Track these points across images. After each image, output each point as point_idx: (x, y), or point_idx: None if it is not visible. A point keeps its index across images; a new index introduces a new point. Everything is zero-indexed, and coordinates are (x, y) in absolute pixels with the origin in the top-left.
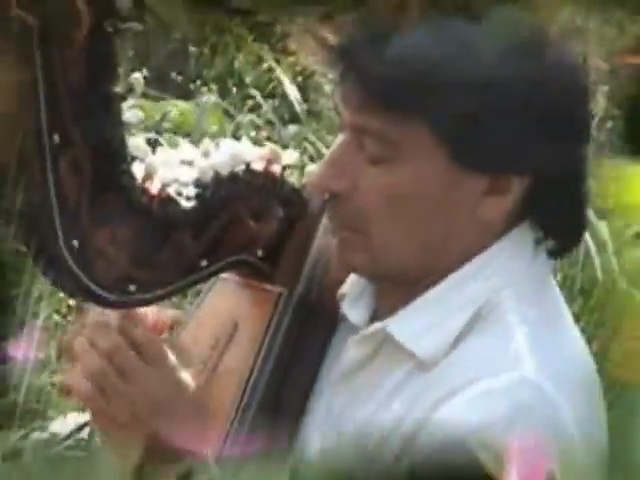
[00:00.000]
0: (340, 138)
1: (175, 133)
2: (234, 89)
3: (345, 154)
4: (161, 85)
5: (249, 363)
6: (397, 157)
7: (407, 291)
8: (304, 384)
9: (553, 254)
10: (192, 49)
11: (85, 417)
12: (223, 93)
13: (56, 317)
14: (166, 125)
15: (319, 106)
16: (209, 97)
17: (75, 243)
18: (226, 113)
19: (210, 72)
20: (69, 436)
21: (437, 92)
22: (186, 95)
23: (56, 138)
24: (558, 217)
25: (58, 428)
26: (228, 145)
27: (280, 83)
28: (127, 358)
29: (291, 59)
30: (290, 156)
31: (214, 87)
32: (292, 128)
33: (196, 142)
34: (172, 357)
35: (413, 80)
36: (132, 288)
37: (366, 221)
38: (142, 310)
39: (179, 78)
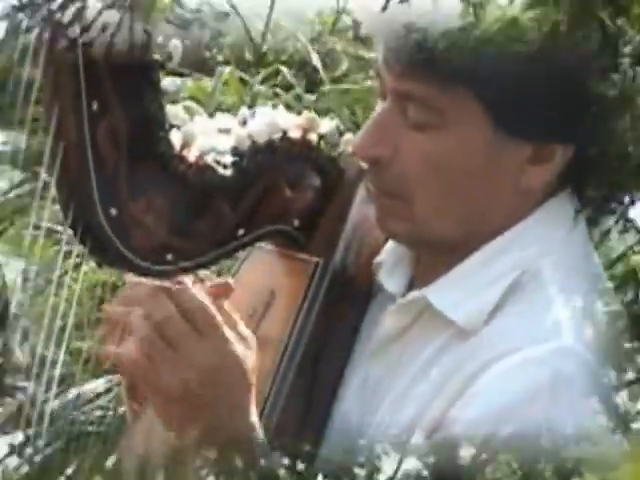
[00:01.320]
0: (381, 103)
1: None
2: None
3: (387, 120)
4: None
5: (286, 332)
6: (441, 124)
7: (446, 259)
8: (340, 354)
9: (591, 223)
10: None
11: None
12: (239, 62)
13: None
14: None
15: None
16: (224, 68)
17: (113, 211)
18: (242, 82)
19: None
20: (96, 398)
21: (483, 59)
22: (202, 66)
23: (95, 105)
24: (598, 186)
25: (86, 390)
26: (265, 113)
27: (297, 51)
28: (179, 328)
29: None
30: (327, 124)
31: (230, 54)
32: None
33: (212, 112)
34: (225, 327)
35: (459, 47)
36: (169, 257)
37: (407, 188)
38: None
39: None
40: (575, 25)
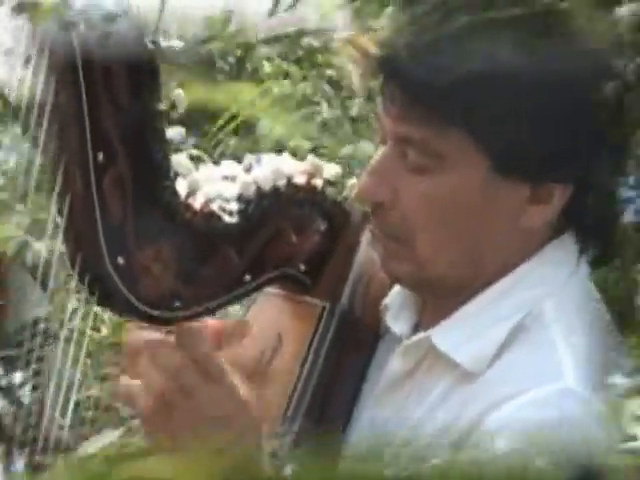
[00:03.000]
0: (381, 148)
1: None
2: None
3: (387, 164)
4: None
5: (293, 376)
6: (440, 166)
7: (450, 301)
8: (348, 397)
9: (595, 264)
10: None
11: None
12: None
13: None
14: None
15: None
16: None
17: (120, 260)
18: None
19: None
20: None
21: (479, 103)
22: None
23: (100, 157)
24: (600, 227)
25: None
26: (269, 160)
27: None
28: (190, 376)
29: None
30: (331, 169)
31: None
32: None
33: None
34: (233, 373)
35: (455, 91)
36: (177, 304)
37: (410, 230)
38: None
39: None
40: None
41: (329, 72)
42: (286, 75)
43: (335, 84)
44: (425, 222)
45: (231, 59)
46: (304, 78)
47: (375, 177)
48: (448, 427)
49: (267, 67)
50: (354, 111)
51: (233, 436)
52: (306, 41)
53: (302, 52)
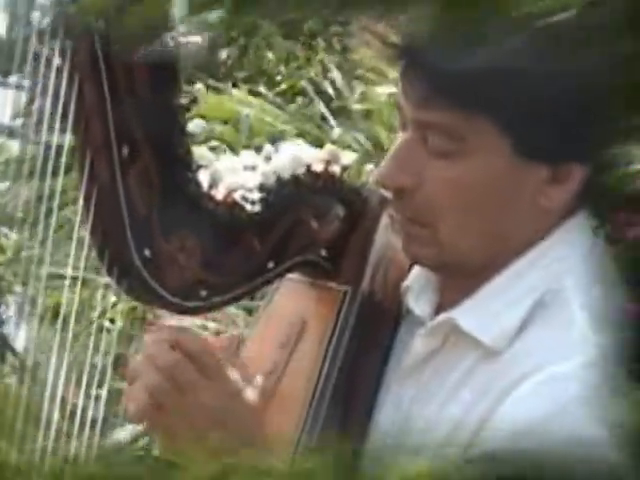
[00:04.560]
0: (402, 133)
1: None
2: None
3: (409, 149)
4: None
5: (318, 361)
6: (461, 150)
7: (471, 281)
8: (373, 379)
9: (610, 240)
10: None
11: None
12: (254, 94)
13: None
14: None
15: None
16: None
17: (147, 252)
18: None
19: (240, 73)
20: (130, 443)
21: (500, 86)
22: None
23: (125, 151)
24: (613, 204)
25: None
26: (288, 148)
27: (311, 81)
28: (185, 373)
29: (321, 56)
30: (349, 156)
31: (244, 87)
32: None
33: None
34: (231, 370)
35: (477, 75)
36: (203, 293)
37: (432, 214)
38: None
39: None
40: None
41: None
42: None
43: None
44: (448, 205)
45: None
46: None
47: (397, 162)
48: (473, 404)
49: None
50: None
51: (232, 432)
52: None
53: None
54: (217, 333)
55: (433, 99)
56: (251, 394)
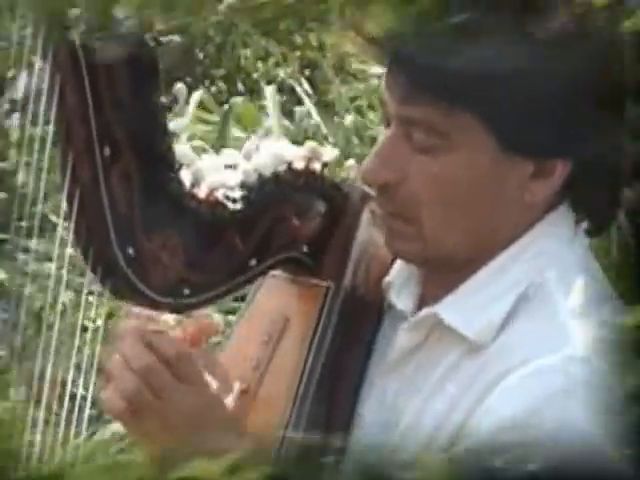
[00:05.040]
0: (387, 129)
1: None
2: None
3: (393, 145)
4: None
5: (302, 357)
6: (446, 146)
7: (454, 276)
8: (356, 374)
9: (590, 233)
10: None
11: None
12: (232, 91)
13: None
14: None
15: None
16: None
17: (130, 251)
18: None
19: (218, 71)
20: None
21: (485, 83)
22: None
23: (107, 151)
24: (596, 198)
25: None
26: (269, 146)
27: (288, 78)
28: (160, 377)
29: (297, 53)
30: (329, 153)
31: (223, 86)
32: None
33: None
34: (205, 373)
35: (461, 72)
36: (187, 291)
37: (417, 210)
38: (174, 323)
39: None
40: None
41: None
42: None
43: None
44: (432, 201)
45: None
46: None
47: (380, 158)
48: (459, 398)
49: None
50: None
51: (208, 435)
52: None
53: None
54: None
55: (417, 95)
56: (227, 397)
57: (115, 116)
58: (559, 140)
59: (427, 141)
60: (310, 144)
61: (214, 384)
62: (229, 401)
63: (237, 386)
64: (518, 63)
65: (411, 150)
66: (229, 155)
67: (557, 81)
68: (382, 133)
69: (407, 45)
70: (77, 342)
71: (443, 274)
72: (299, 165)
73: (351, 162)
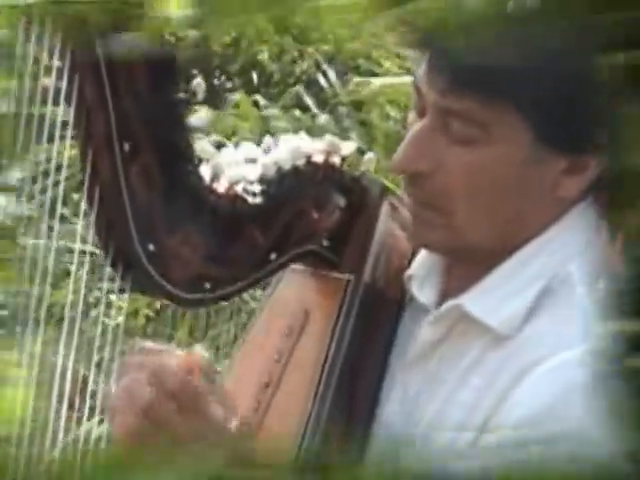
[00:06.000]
0: (419, 119)
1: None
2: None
3: (429, 135)
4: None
5: (323, 350)
6: (484, 138)
7: (478, 267)
8: (377, 368)
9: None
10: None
11: None
12: (249, 87)
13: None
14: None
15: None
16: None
17: (151, 246)
18: (255, 105)
19: (234, 66)
20: None
21: (524, 75)
22: (212, 95)
23: (126, 146)
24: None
25: None
26: (288, 140)
27: (304, 73)
28: (164, 411)
29: (312, 49)
30: (348, 146)
31: (238, 81)
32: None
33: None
34: (210, 400)
35: (504, 65)
36: (207, 286)
37: (448, 200)
38: (171, 355)
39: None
40: None
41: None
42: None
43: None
44: (465, 191)
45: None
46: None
47: (415, 147)
48: (484, 390)
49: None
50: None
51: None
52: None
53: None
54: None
55: (459, 86)
56: (233, 426)
57: (134, 112)
58: (595, 137)
59: (465, 132)
60: (329, 138)
61: (220, 415)
62: (234, 426)
63: (261, 378)
64: (562, 59)
65: (447, 141)
66: (248, 149)
67: (595, 77)
68: (412, 124)
69: (452, 37)
70: (98, 340)
71: (468, 266)
72: (318, 159)
73: (370, 155)
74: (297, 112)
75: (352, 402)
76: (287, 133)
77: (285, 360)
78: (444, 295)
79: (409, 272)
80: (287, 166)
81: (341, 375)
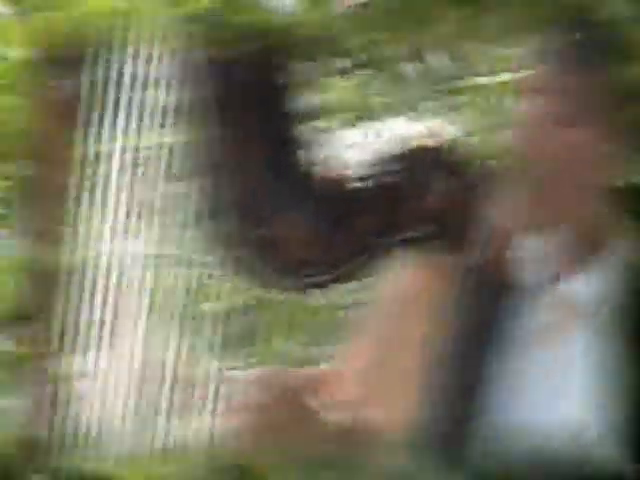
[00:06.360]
0: (527, 102)
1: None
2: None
3: (539, 117)
4: None
5: (433, 335)
6: (589, 120)
7: (586, 249)
8: (485, 351)
9: None
10: None
11: None
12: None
13: None
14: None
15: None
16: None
17: (257, 232)
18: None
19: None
20: None
21: None
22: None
23: (236, 133)
24: None
25: None
26: (394, 125)
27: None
28: (279, 416)
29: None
30: (452, 131)
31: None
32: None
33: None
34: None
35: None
36: (313, 271)
37: (558, 180)
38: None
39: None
40: None
41: None
42: None
43: None
44: (575, 172)
45: None
46: None
47: (525, 129)
48: (595, 376)
49: None
50: None
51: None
52: None
53: None
54: None
55: (576, 67)
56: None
57: (245, 99)
58: None
59: (573, 113)
60: (434, 122)
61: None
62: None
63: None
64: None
65: (557, 123)
66: (354, 135)
67: None
68: (520, 106)
69: (568, 19)
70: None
71: (575, 249)
72: (423, 143)
73: (473, 140)
74: (399, 96)
75: (460, 384)
76: (391, 117)
77: (394, 344)
78: (552, 278)
79: (517, 254)
80: (393, 151)
81: (450, 357)
